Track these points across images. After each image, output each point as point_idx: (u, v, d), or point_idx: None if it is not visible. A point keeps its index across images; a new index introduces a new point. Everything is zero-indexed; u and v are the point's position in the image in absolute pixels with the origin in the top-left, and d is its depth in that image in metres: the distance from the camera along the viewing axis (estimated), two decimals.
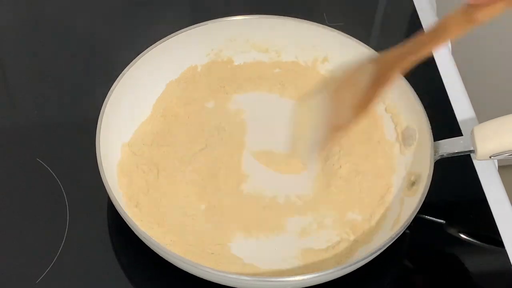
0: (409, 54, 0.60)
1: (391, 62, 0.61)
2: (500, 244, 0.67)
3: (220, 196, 0.69)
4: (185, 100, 0.76)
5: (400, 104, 0.71)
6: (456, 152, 0.66)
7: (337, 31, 0.75)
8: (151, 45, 0.73)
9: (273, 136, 0.73)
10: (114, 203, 0.61)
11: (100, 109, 0.67)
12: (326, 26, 0.76)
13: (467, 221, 0.70)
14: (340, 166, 0.71)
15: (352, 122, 0.64)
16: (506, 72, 1.23)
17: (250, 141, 0.73)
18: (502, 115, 0.67)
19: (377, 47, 0.73)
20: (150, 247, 0.61)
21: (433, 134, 0.66)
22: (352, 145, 0.72)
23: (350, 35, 0.75)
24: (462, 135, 0.74)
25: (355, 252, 0.65)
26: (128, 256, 0.66)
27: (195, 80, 0.77)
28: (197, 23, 0.75)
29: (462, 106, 0.77)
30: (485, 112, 0.79)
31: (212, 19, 0.76)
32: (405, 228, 0.61)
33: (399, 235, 0.61)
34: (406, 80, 0.70)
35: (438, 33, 0.59)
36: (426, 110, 0.68)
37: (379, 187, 0.69)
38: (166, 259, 0.61)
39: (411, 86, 0.70)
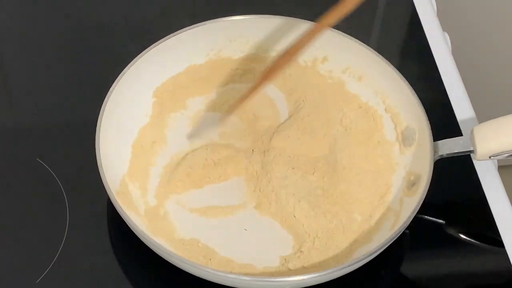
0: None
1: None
2: (500, 244, 0.67)
3: (220, 196, 0.69)
4: (185, 100, 0.76)
5: (400, 104, 0.71)
6: (456, 152, 0.66)
7: (337, 31, 0.75)
8: (151, 44, 0.72)
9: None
10: (114, 203, 0.61)
11: (100, 109, 0.67)
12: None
13: (466, 221, 0.70)
14: (340, 166, 0.71)
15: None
16: (506, 72, 1.23)
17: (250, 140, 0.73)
18: (502, 115, 0.66)
19: (377, 47, 0.74)
20: (150, 247, 0.61)
21: (433, 134, 0.66)
22: (352, 145, 0.72)
23: (350, 35, 0.74)
24: (462, 135, 0.74)
25: (355, 252, 0.65)
26: (128, 256, 0.66)
27: (195, 80, 0.77)
28: (197, 23, 0.75)
29: (462, 106, 0.77)
30: (485, 112, 0.79)
31: (212, 19, 0.76)
32: (405, 228, 0.61)
33: (399, 235, 0.61)
34: (406, 80, 0.70)
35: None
36: (426, 110, 0.68)
37: (379, 187, 0.69)
38: (166, 259, 0.61)
39: (411, 86, 0.69)
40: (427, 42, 0.83)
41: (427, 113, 0.68)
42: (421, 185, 0.63)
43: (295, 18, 0.76)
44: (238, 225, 0.68)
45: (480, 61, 1.18)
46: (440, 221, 0.69)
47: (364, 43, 0.74)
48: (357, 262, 0.60)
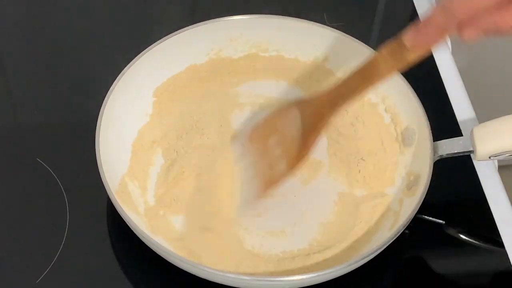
0: (337, 98, 0.60)
1: (321, 107, 0.61)
2: (500, 244, 0.67)
3: (220, 195, 0.69)
4: (185, 100, 0.76)
5: (400, 104, 0.71)
6: (456, 153, 0.66)
7: (337, 31, 0.75)
8: (151, 44, 0.72)
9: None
10: (114, 203, 0.61)
11: (100, 109, 0.67)
12: (326, 26, 0.76)
13: (466, 221, 0.70)
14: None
15: (287, 174, 0.63)
16: (506, 72, 1.22)
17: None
18: (502, 115, 0.66)
19: (377, 47, 0.73)
20: (150, 247, 0.61)
21: (433, 134, 0.66)
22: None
23: (350, 35, 0.74)
24: (462, 135, 0.74)
25: (355, 252, 0.65)
26: (128, 256, 0.66)
27: (195, 80, 0.77)
28: (197, 22, 0.75)
29: (462, 106, 0.77)
30: (485, 112, 0.79)
31: (212, 18, 0.76)
32: (404, 228, 0.61)
33: (398, 235, 0.61)
34: (405, 80, 0.70)
35: (367, 76, 0.58)
36: (426, 110, 0.68)
37: (379, 187, 0.69)
38: (166, 259, 0.61)
39: (411, 86, 0.69)
40: None
41: (427, 113, 0.68)
42: (421, 185, 0.63)
43: (295, 18, 0.76)
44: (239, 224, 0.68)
45: (480, 61, 1.18)
46: (440, 221, 0.69)
47: (364, 43, 0.74)
48: (356, 262, 0.60)
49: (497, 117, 0.66)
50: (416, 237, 0.67)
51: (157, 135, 0.72)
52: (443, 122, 0.75)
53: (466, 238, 0.69)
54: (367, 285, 0.65)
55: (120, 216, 0.61)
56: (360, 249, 0.65)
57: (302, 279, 0.59)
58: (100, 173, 0.62)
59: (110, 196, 0.62)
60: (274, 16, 0.76)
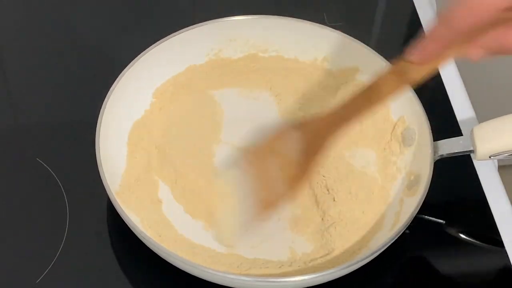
0: (340, 120, 0.58)
1: (322, 129, 0.59)
2: (500, 244, 0.67)
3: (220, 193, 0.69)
4: (184, 100, 0.76)
5: (400, 104, 0.71)
6: (456, 152, 0.66)
7: (337, 31, 0.75)
8: (150, 45, 0.72)
9: None
10: (114, 203, 0.61)
11: (100, 109, 0.67)
12: (326, 26, 0.76)
13: (467, 221, 0.70)
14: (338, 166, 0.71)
15: (287, 196, 0.61)
16: (506, 72, 1.22)
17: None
18: (502, 115, 0.66)
19: (377, 47, 0.73)
20: (150, 247, 0.61)
21: (433, 134, 0.66)
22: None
23: (350, 35, 0.74)
24: (462, 135, 0.74)
25: (355, 253, 0.64)
26: (127, 256, 0.66)
27: (194, 80, 0.77)
28: (197, 23, 0.75)
29: (462, 106, 0.77)
30: (485, 112, 0.79)
31: (212, 19, 0.76)
32: (405, 228, 0.61)
33: (399, 235, 0.61)
34: None
35: (370, 96, 0.57)
36: (426, 110, 0.68)
37: (379, 187, 0.69)
38: (165, 259, 0.61)
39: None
40: None
41: (427, 113, 0.68)
42: (421, 185, 0.63)
43: (295, 18, 0.76)
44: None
45: (480, 61, 1.18)
46: (440, 221, 0.69)
47: (364, 43, 0.74)
48: (357, 262, 0.60)
49: (497, 117, 0.66)
50: (416, 237, 0.67)
51: (157, 135, 0.72)
52: (443, 122, 0.75)
53: (466, 238, 0.69)
54: (368, 285, 0.65)
55: (120, 216, 0.61)
56: (361, 250, 0.65)
57: (304, 280, 0.59)
58: (100, 173, 0.62)
59: (110, 196, 0.62)
60: (273, 17, 0.76)
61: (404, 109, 0.71)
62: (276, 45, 0.78)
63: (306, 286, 0.60)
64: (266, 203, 0.61)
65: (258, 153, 0.63)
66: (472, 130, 0.66)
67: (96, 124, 0.66)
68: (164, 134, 0.73)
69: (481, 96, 0.89)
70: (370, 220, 0.67)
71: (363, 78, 0.74)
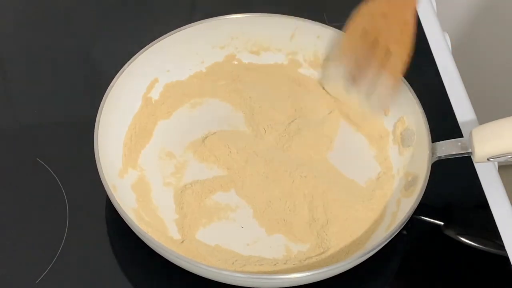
0: None
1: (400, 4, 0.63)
2: (500, 246, 0.67)
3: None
4: (185, 98, 0.76)
5: (399, 105, 0.71)
6: (454, 154, 0.66)
7: (337, 30, 0.75)
8: (150, 43, 0.73)
9: None
10: (113, 203, 0.61)
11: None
12: (326, 26, 0.76)
13: (466, 222, 0.70)
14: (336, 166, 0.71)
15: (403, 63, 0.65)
16: (506, 72, 1.22)
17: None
18: (502, 115, 0.66)
19: None
20: (150, 246, 0.61)
21: (433, 135, 0.66)
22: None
23: None
24: (462, 136, 0.73)
25: (352, 252, 0.65)
26: (127, 256, 0.66)
27: (195, 78, 0.77)
28: (197, 21, 0.75)
29: (462, 107, 0.77)
30: (485, 112, 0.79)
31: (213, 17, 0.76)
32: (401, 228, 0.61)
33: (394, 235, 0.61)
34: (405, 80, 0.70)
35: None
36: (426, 111, 0.68)
37: (377, 188, 0.70)
38: (165, 257, 0.61)
39: (410, 87, 0.69)
40: (427, 42, 0.83)
41: (427, 114, 0.68)
42: (418, 186, 0.63)
43: (296, 17, 0.76)
44: (236, 223, 0.68)
45: (480, 61, 1.18)
46: (439, 222, 0.69)
47: None
48: (351, 262, 0.60)
49: (497, 118, 0.66)
50: (415, 238, 0.67)
51: (156, 135, 0.72)
52: (443, 123, 0.75)
53: (465, 240, 0.69)
54: (365, 285, 0.65)
55: (120, 216, 0.61)
56: (356, 249, 0.65)
57: (299, 277, 0.59)
58: (99, 173, 0.63)
59: (110, 196, 0.62)
60: (275, 15, 0.77)
61: (404, 110, 0.71)
62: (277, 44, 0.78)
63: (300, 284, 0.60)
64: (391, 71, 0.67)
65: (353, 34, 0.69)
66: (470, 133, 0.66)
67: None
68: (164, 133, 0.73)
69: (481, 97, 0.89)
70: (366, 220, 0.67)
71: None
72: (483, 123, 0.67)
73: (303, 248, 0.66)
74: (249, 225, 0.67)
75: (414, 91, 0.69)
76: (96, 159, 0.63)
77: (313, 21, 0.76)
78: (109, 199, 0.63)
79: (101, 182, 0.62)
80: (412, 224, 0.63)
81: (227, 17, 0.76)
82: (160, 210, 0.68)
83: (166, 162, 0.71)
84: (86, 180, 0.68)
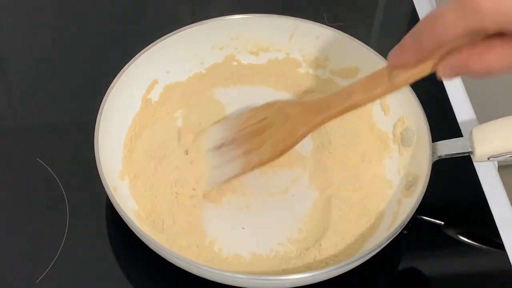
0: (325, 112, 0.61)
1: (303, 119, 0.62)
2: (500, 245, 0.67)
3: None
4: (184, 98, 0.76)
5: (399, 105, 0.71)
6: (454, 154, 0.66)
7: (337, 31, 0.75)
8: (149, 44, 0.72)
9: None
10: (114, 204, 0.61)
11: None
12: (326, 26, 0.76)
13: (466, 222, 0.70)
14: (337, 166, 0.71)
15: (265, 162, 0.65)
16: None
17: None
18: (503, 115, 0.66)
19: (377, 47, 0.73)
20: (150, 247, 0.61)
21: (433, 135, 0.66)
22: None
23: (350, 35, 0.74)
24: (462, 135, 0.74)
25: (352, 252, 0.65)
26: (127, 256, 0.66)
27: (195, 79, 0.77)
28: (197, 21, 0.75)
29: (462, 107, 0.77)
30: (485, 113, 0.79)
31: (212, 17, 0.76)
32: (402, 228, 0.61)
33: (395, 235, 0.61)
34: None
35: (358, 96, 0.59)
36: (426, 111, 0.68)
37: (378, 188, 0.69)
38: (165, 258, 0.61)
39: (410, 87, 0.69)
40: None
41: (427, 114, 0.68)
42: (419, 186, 0.63)
43: (296, 18, 0.76)
44: (237, 223, 0.68)
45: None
46: (439, 222, 0.69)
47: (364, 43, 0.74)
48: (351, 262, 0.60)
49: (497, 118, 0.66)
50: (415, 238, 0.67)
51: (156, 135, 0.72)
52: (443, 123, 0.75)
53: (466, 239, 0.69)
54: (365, 285, 0.65)
55: (120, 215, 0.61)
56: (358, 249, 0.65)
57: (299, 278, 0.59)
58: (99, 173, 0.63)
59: (110, 197, 0.62)
60: (274, 16, 0.76)
61: (404, 110, 0.71)
62: (277, 44, 0.78)
63: (301, 285, 0.60)
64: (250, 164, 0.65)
65: (247, 117, 0.67)
66: (471, 132, 0.66)
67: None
68: (164, 133, 0.73)
69: (481, 97, 0.89)
70: (367, 220, 0.67)
71: None
72: (483, 123, 0.67)
73: (303, 248, 0.66)
74: (249, 226, 0.67)
75: (414, 91, 0.69)
76: (96, 161, 0.63)
77: (313, 21, 0.76)
78: (109, 199, 0.62)
79: (101, 182, 0.62)
80: (412, 223, 0.63)
81: (227, 17, 0.76)
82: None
83: None
84: (86, 180, 0.68)
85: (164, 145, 0.72)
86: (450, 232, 0.69)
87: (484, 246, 0.69)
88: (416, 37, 0.51)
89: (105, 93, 0.68)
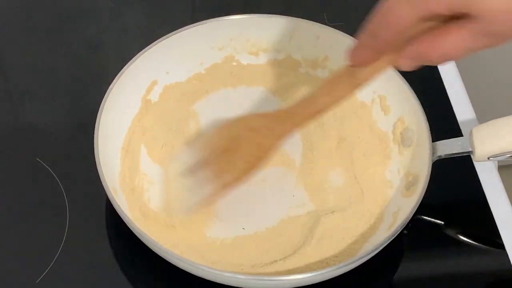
0: (292, 119, 0.60)
1: (270, 130, 0.61)
2: (500, 245, 0.67)
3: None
4: (184, 99, 0.76)
5: (399, 105, 0.71)
6: (454, 153, 0.66)
7: (337, 31, 0.75)
8: (149, 44, 0.72)
9: None
10: (114, 204, 0.61)
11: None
12: (326, 26, 0.76)
13: (466, 221, 0.70)
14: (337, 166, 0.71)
15: (241, 180, 0.63)
16: (506, 72, 1.23)
17: None
18: (503, 115, 0.66)
19: None
20: (150, 247, 0.61)
21: (433, 135, 0.66)
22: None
23: (350, 35, 0.74)
24: (462, 135, 0.74)
25: (353, 253, 0.65)
26: (127, 256, 0.66)
27: (194, 79, 0.77)
28: (197, 22, 0.75)
29: (462, 107, 0.77)
30: (485, 112, 0.79)
31: (212, 18, 0.76)
32: (402, 228, 0.61)
33: (396, 235, 0.61)
34: (405, 80, 0.70)
35: (322, 99, 0.59)
36: (426, 110, 0.68)
37: (378, 188, 0.70)
38: (165, 258, 0.61)
39: (410, 87, 0.69)
40: None
41: (427, 114, 0.68)
42: (419, 186, 0.63)
43: (296, 18, 0.76)
44: (238, 224, 0.68)
45: (480, 61, 1.18)
46: (439, 222, 0.69)
47: None
48: (352, 262, 0.60)
49: (497, 118, 0.66)
50: (415, 238, 0.67)
51: (156, 135, 0.72)
52: (443, 123, 0.75)
53: (466, 239, 0.69)
54: (366, 285, 0.65)
55: (119, 216, 0.61)
56: (358, 249, 0.65)
57: (299, 278, 0.59)
58: (98, 173, 0.63)
59: (110, 198, 0.62)
60: (274, 16, 0.76)
61: (404, 110, 0.71)
62: (277, 44, 0.78)
63: (301, 285, 0.60)
64: (220, 185, 0.63)
65: (214, 138, 0.65)
66: (471, 132, 0.66)
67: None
68: (164, 133, 0.73)
69: (481, 97, 0.89)
70: (367, 220, 0.67)
71: None
72: (483, 123, 0.67)
73: (303, 249, 0.66)
74: (251, 226, 0.67)
75: (414, 91, 0.69)
76: (96, 162, 0.63)
77: (313, 22, 0.76)
78: (109, 199, 0.62)
79: (101, 182, 0.62)
80: (412, 223, 0.63)
81: (226, 18, 0.76)
82: (160, 212, 0.68)
83: None
84: (86, 180, 0.68)
85: (164, 145, 0.72)
86: (450, 232, 0.69)
87: (484, 246, 0.69)
88: (371, 33, 0.51)
89: (105, 93, 0.68)
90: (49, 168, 0.70)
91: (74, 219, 0.67)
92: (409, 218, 0.61)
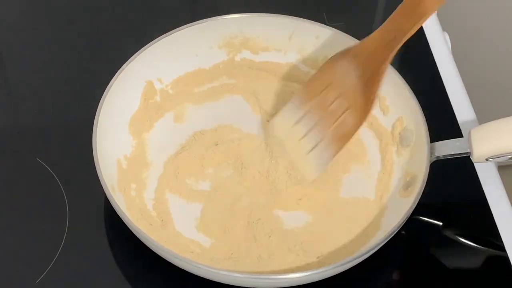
0: (392, 40, 0.59)
1: (377, 53, 0.60)
2: (499, 246, 0.67)
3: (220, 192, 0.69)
4: (183, 98, 0.76)
5: (398, 105, 0.71)
6: (452, 154, 0.66)
7: (337, 31, 0.75)
8: (148, 43, 0.73)
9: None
10: (113, 204, 0.62)
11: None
12: (326, 26, 0.76)
13: (466, 222, 0.70)
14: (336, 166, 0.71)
15: (357, 127, 0.63)
16: (506, 72, 1.22)
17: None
18: (502, 115, 0.66)
19: None
20: (149, 247, 0.61)
21: (433, 135, 0.66)
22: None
23: (350, 35, 0.74)
24: (462, 136, 0.73)
25: (350, 252, 0.64)
26: (127, 256, 0.66)
27: (194, 78, 0.77)
28: (196, 20, 0.75)
29: (462, 107, 0.77)
30: (485, 112, 0.79)
31: (211, 17, 0.76)
32: (399, 228, 0.61)
33: (392, 235, 0.61)
34: (404, 80, 0.70)
35: (415, 11, 0.58)
36: (426, 111, 0.68)
37: (376, 188, 0.70)
38: (165, 258, 0.61)
39: (409, 87, 0.69)
40: (427, 42, 0.83)
41: (427, 114, 0.68)
42: (417, 186, 0.63)
43: (296, 17, 0.76)
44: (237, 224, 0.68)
45: (480, 61, 1.18)
46: (438, 222, 0.69)
47: None
48: (350, 261, 0.60)
49: (497, 118, 0.66)
50: (413, 238, 0.67)
51: (155, 135, 0.73)
52: (443, 123, 0.75)
53: (464, 240, 0.68)
54: (364, 285, 0.65)
55: (119, 216, 0.61)
56: (355, 249, 0.65)
57: (297, 277, 0.59)
58: (97, 173, 0.63)
59: (109, 197, 0.62)
60: (274, 15, 0.76)
61: (403, 110, 0.70)
62: (277, 44, 0.78)
63: (299, 284, 0.61)
64: (340, 137, 0.64)
65: (314, 86, 0.65)
66: (469, 133, 0.66)
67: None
68: (163, 133, 0.73)
69: (481, 97, 0.89)
70: (364, 220, 0.67)
71: None
72: (482, 124, 0.66)
73: (301, 248, 0.66)
74: (250, 227, 0.68)
75: (414, 91, 0.69)
76: (95, 161, 0.63)
77: (313, 21, 0.76)
78: (108, 199, 0.63)
79: (100, 182, 0.63)
80: (411, 224, 0.63)
81: (226, 17, 0.76)
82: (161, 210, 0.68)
83: None
84: (86, 180, 0.68)
85: (164, 144, 0.72)
86: (449, 233, 0.69)
87: (483, 247, 0.68)
88: None
89: (103, 93, 0.68)
90: (49, 168, 0.71)
91: (74, 219, 0.67)
92: (406, 219, 0.61)
